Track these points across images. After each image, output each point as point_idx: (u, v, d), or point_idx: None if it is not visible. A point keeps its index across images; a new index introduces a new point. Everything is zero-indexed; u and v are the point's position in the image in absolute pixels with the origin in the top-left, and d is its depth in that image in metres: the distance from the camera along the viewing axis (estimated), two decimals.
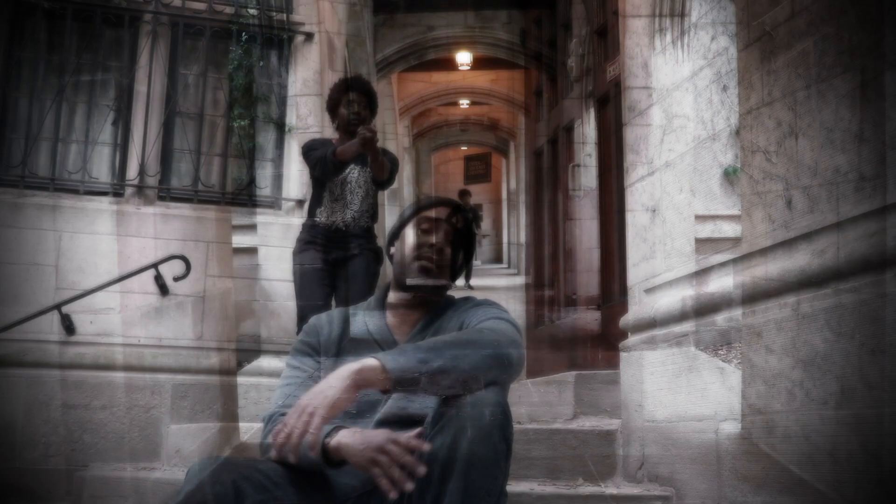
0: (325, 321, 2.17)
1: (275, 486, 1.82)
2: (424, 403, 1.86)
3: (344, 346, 2.11)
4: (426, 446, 1.72)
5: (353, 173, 3.80)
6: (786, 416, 2.44)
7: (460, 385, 1.77)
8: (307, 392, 1.76)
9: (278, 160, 4.81)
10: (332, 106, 3.87)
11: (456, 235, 2.17)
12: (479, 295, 2.27)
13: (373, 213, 3.86)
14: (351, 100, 3.77)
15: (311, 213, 3.83)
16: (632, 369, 3.56)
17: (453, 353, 1.79)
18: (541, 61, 9.08)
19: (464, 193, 11.11)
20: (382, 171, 3.70)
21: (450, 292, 2.22)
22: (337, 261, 3.80)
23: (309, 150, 3.82)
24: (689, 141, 3.76)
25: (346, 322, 2.16)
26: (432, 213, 2.17)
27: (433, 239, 2.13)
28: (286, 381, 2.09)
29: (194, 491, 1.75)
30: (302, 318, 3.73)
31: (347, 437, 1.79)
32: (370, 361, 1.75)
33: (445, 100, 11.68)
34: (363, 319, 2.15)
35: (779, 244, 2.48)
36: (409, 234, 2.17)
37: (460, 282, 3.83)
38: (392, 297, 2.17)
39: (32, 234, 4.23)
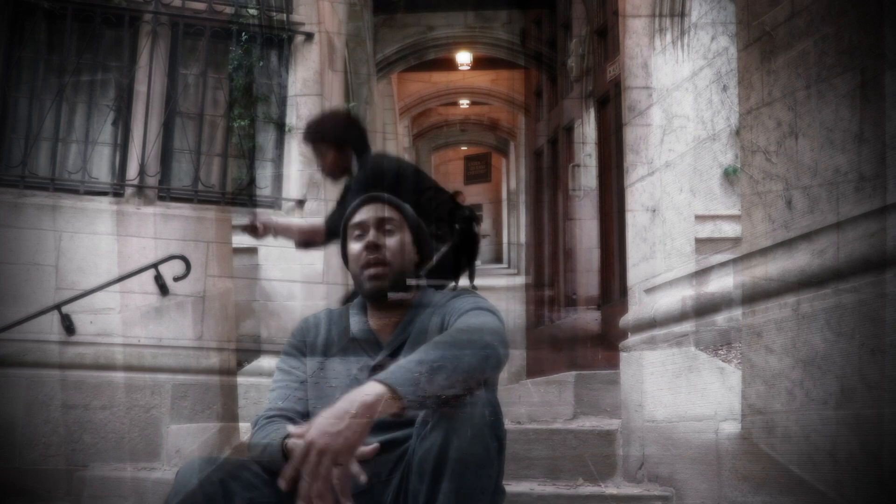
0: (312, 323, 2.17)
1: (264, 483, 1.83)
2: None
3: (330, 348, 2.11)
4: (363, 478, 1.66)
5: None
6: (786, 416, 2.44)
7: (461, 387, 1.76)
8: (316, 425, 1.66)
9: (278, 160, 4.81)
10: None
11: (394, 224, 2.13)
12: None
13: None
14: (314, 155, 3.60)
15: None
16: (632, 369, 3.56)
17: (453, 356, 1.76)
18: (541, 61, 9.08)
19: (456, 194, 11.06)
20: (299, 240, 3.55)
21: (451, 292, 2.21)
22: None
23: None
24: (689, 141, 3.76)
25: (331, 324, 2.15)
26: (358, 217, 2.14)
27: (367, 239, 2.09)
28: (276, 385, 2.09)
29: (186, 491, 1.76)
30: None
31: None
32: (379, 389, 1.68)
33: (445, 100, 11.69)
34: (348, 321, 2.14)
35: (779, 244, 2.48)
36: (350, 248, 2.14)
37: (464, 282, 3.77)
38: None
39: (32, 234, 4.22)
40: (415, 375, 1.70)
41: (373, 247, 2.08)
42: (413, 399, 1.68)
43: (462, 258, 3.58)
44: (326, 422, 1.66)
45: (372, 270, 2.07)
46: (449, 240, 3.50)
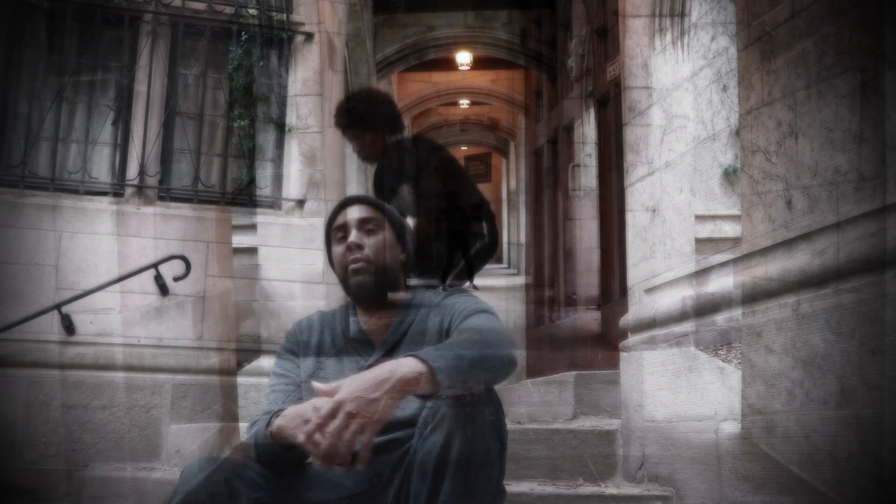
0: (306, 325, 2.17)
1: (268, 483, 1.83)
2: (418, 404, 1.83)
3: (323, 349, 2.11)
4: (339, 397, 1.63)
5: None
6: (786, 416, 2.44)
7: (481, 387, 1.75)
8: (349, 387, 1.62)
9: (278, 160, 4.80)
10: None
11: (375, 224, 2.13)
12: (479, 296, 2.24)
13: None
14: (348, 138, 3.56)
15: None
16: (632, 369, 3.56)
17: (483, 356, 1.76)
18: (541, 61, 9.07)
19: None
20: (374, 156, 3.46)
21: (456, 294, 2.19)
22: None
23: None
24: (689, 141, 3.77)
25: (324, 326, 2.15)
26: (339, 220, 2.14)
27: (349, 240, 2.10)
28: (272, 389, 2.09)
29: (189, 490, 1.76)
30: None
31: (282, 419, 1.78)
32: (420, 367, 1.65)
33: (445, 100, 11.66)
34: (341, 322, 2.14)
35: (779, 244, 2.48)
36: (334, 251, 2.15)
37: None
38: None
39: (32, 234, 4.23)
40: (454, 363, 1.69)
41: (354, 247, 2.08)
42: (446, 385, 1.66)
43: (476, 262, 3.62)
44: (361, 386, 1.63)
45: (353, 266, 2.08)
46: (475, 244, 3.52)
